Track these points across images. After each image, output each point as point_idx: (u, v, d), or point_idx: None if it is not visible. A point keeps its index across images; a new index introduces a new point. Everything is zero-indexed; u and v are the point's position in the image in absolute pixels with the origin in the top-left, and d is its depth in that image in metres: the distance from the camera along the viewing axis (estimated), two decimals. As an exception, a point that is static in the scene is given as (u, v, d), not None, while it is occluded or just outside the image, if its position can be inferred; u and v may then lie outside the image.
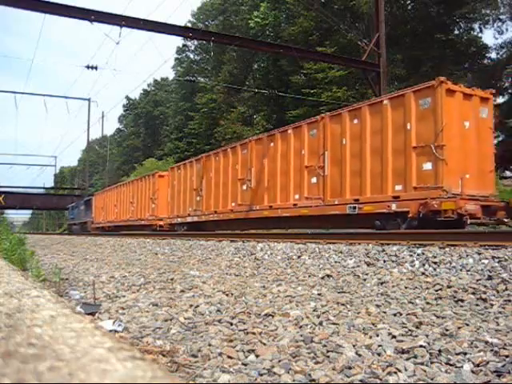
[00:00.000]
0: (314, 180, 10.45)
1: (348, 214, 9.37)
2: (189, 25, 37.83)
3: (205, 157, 15.47)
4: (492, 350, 2.51)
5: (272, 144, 11.84)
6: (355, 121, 9.50)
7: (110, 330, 3.06)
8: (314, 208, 10.23)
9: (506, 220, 7.97)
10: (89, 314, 3.52)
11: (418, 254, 5.72)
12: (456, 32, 28.28)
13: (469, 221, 7.59)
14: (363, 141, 9.26)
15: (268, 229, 12.37)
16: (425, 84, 8.35)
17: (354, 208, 9.20)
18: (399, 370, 2.29)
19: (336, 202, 9.75)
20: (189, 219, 15.94)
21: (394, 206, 8.44)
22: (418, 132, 8.24)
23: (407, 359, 2.45)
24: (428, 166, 8.04)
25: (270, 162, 11.89)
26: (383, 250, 6.23)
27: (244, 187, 12.82)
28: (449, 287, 4.30)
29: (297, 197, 10.88)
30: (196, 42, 45.21)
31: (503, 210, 7.90)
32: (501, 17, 27.46)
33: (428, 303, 3.82)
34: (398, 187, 8.49)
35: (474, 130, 8.48)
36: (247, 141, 13.09)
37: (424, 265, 5.34)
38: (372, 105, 9.30)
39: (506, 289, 4.07)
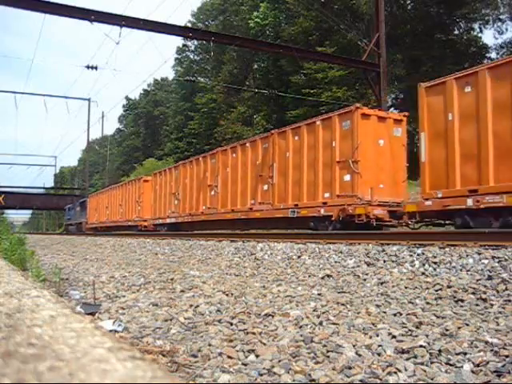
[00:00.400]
0: (265, 187, 12.02)
1: (290, 217, 10.88)
2: (189, 25, 37.84)
3: (181, 165, 17.23)
4: (492, 350, 2.51)
5: (234, 155, 13.48)
6: (296, 137, 11.07)
7: (110, 330, 3.06)
8: (265, 211, 11.84)
9: (409, 222, 8.91)
10: (89, 313, 3.52)
11: (418, 254, 5.72)
12: (456, 32, 28.31)
13: (375, 223, 8.98)
14: (302, 155, 10.81)
15: (231, 229, 13.58)
16: (346, 109, 9.97)
17: (294, 212, 10.75)
18: (399, 370, 2.29)
19: (281, 207, 11.28)
20: (168, 220, 17.54)
21: (322, 211, 9.95)
22: (340, 149, 9.75)
23: (407, 359, 2.45)
24: (347, 177, 9.58)
25: (232, 171, 13.47)
26: (383, 250, 6.23)
27: (212, 192, 14.49)
28: (449, 287, 4.30)
29: (252, 202, 12.46)
30: (196, 42, 45.25)
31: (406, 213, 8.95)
32: (501, 17, 27.50)
33: (428, 303, 3.82)
34: (327, 195, 10.00)
35: (388, 147, 9.93)
36: (215, 151, 14.89)
37: (424, 265, 5.35)
38: (308, 124, 10.78)
39: (506, 289, 4.07)
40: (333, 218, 9.59)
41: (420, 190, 8.69)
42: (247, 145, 12.92)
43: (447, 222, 8.39)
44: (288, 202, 11.05)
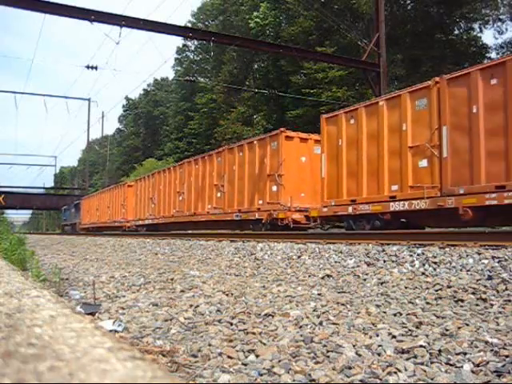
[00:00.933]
0: (218, 194, 14.11)
1: (236, 220, 12.96)
2: (189, 25, 37.86)
3: (157, 173, 19.74)
4: (492, 350, 2.51)
5: (197, 166, 15.88)
6: (240, 153, 13.13)
7: (110, 330, 3.06)
8: (218, 215, 13.96)
9: (321, 225, 10.96)
10: (89, 314, 3.52)
11: (418, 254, 5.72)
12: (456, 32, 28.30)
13: (292, 225, 10.99)
14: (244, 168, 12.83)
15: (192, 230, 16.23)
16: (273, 132, 12.18)
17: (238, 215, 12.86)
18: (399, 370, 2.29)
19: (229, 211, 13.31)
20: (146, 222, 20.22)
21: (257, 215, 12.09)
22: (270, 164, 11.86)
23: (407, 359, 2.45)
24: (274, 188, 11.71)
25: (195, 180, 15.84)
26: (383, 250, 6.23)
27: (180, 198, 16.90)
28: (449, 287, 4.30)
29: (209, 206, 14.58)
30: (196, 42, 45.22)
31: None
32: (501, 17, 27.48)
33: (428, 303, 3.82)
34: (260, 202, 12.17)
35: (309, 162, 11.93)
36: (182, 163, 17.53)
37: (424, 265, 5.34)
38: (249, 143, 12.99)
39: (506, 289, 4.07)
40: (263, 221, 11.72)
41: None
42: (205, 157, 15.45)
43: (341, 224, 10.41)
44: (234, 207, 13.09)
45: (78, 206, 34.14)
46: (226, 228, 14.22)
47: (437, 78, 8.10)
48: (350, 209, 9.39)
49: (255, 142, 12.61)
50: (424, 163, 8.23)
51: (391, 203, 8.60)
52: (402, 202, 8.41)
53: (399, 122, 8.66)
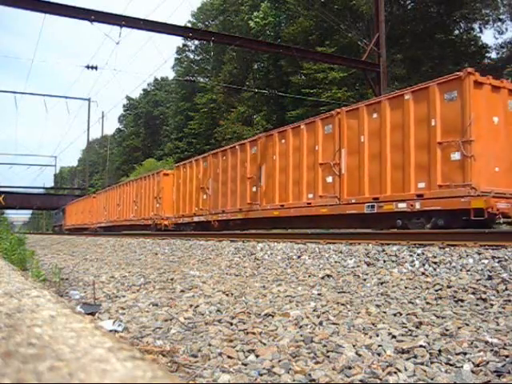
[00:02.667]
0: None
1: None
2: (189, 25, 37.81)
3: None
4: (492, 350, 2.51)
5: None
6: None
7: (110, 330, 3.06)
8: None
9: None
10: (89, 314, 3.52)
11: (417, 254, 5.72)
12: (456, 32, 28.27)
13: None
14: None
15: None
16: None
17: (152, 221, 17.09)
18: (399, 370, 2.29)
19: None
20: (103, 224, 25.95)
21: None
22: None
23: (407, 359, 2.45)
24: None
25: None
26: (383, 250, 6.22)
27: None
28: (449, 287, 4.30)
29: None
30: (196, 42, 45.21)
31: None
32: (501, 17, 27.47)
33: (428, 303, 3.82)
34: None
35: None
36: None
37: (424, 265, 5.34)
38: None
39: (506, 289, 4.06)
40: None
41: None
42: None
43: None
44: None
45: (64, 211, 39.81)
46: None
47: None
48: None
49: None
50: None
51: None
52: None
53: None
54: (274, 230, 12.17)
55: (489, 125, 7.79)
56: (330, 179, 9.78)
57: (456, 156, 7.51)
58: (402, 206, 8.03)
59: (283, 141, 11.23)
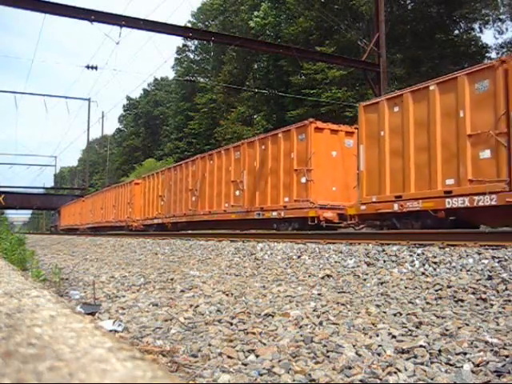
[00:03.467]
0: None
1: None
2: (189, 25, 37.80)
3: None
4: (492, 350, 2.51)
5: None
6: (211, 162, 14.93)
7: (110, 330, 3.06)
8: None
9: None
10: (89, 314, 3.52)
11: (418, 254, 5.72)
12: (456, 32, 28.28)
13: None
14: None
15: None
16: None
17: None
18: (399, 370, 2.29)
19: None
20: (90, 225, 29.25)
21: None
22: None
23: (407, 359, 2.45)
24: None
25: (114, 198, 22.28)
26: (383, 250, 6.22)
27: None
28: (449, 287, 4.30)
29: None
30: (196, 42, 45.22)
31: None
32: (501, 17, 27.48)
33: (428, 303, 3.82)
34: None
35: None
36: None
37: (424, 265, 5.34)
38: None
39: (506, 289, 4.06)
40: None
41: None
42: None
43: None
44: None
45: (59, 212, 42.41)
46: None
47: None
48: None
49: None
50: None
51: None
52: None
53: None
54: (274, 230, 12.21)
55: (327, 157, 10.86)
56: (237, 193, 13.09)
57: (303, 180, 10.68)
58: (274, 214, 11.48)
59: (211, 162, 14.88)
